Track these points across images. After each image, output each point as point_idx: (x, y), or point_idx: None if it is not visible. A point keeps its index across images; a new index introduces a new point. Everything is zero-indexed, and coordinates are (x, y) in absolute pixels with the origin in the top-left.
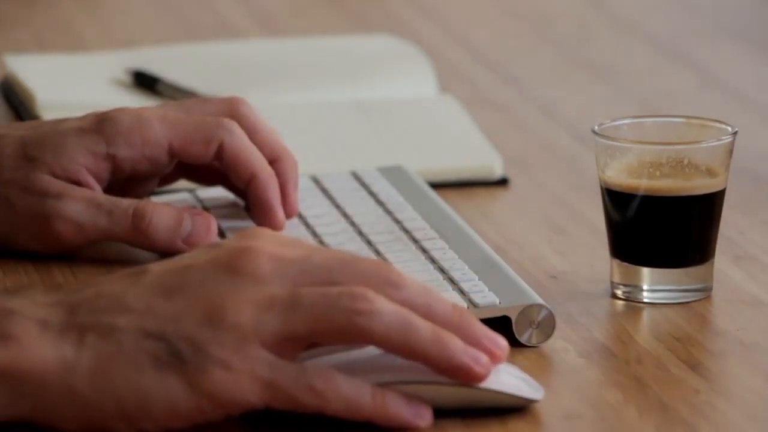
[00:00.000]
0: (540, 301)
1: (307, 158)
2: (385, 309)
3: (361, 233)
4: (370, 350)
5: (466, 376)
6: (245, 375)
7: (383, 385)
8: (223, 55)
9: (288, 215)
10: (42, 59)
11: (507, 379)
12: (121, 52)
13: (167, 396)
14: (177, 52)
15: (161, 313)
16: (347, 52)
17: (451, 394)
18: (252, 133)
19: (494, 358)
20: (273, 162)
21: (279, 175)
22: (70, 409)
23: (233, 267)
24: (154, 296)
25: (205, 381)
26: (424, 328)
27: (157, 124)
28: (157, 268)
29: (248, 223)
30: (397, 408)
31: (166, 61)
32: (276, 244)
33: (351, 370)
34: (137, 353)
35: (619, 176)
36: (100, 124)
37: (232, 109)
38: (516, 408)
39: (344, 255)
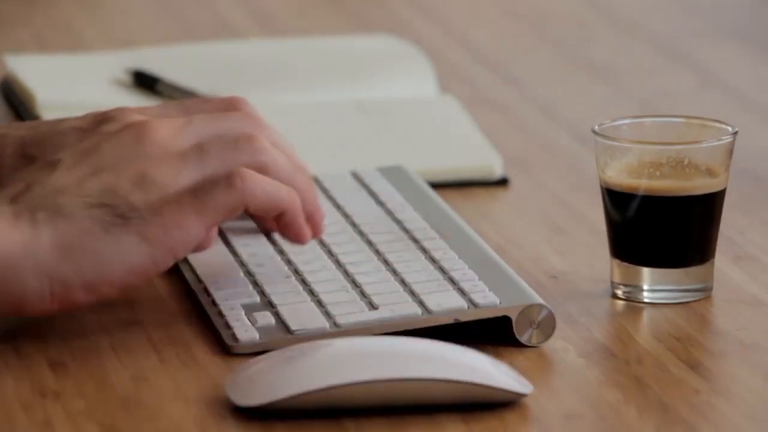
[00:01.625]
0: (540, 301)
1: (307, 158)
2: (272, 148)
3: (361, 233)
4: (369, 346)
5: (312, 230)
6: (178, 214)
7: (377, 382)
8: (223, 55)
9: None
10: (42, 59)
11: (497, 375)
12: (121, 52)
13: (121, 255)
14: (177, 52)
15: (94, 187)
16: (347, 52)
17: (444, 389)
18: None
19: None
20: None
21: None
22: (36, 287)
23: (139, 139)
24: (81, 176)
25: (150, 231)
26: (302, 171)
27: None
28: (68, 155)
29: (248, 222)
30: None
31: (166, 61)
32: (159, 116)
33: (352, 363)
34: (88, 221)
35: (619, 176)
36: (100, 125)
37: (232, 109)
38: (514, 406)
39: (214, 113)
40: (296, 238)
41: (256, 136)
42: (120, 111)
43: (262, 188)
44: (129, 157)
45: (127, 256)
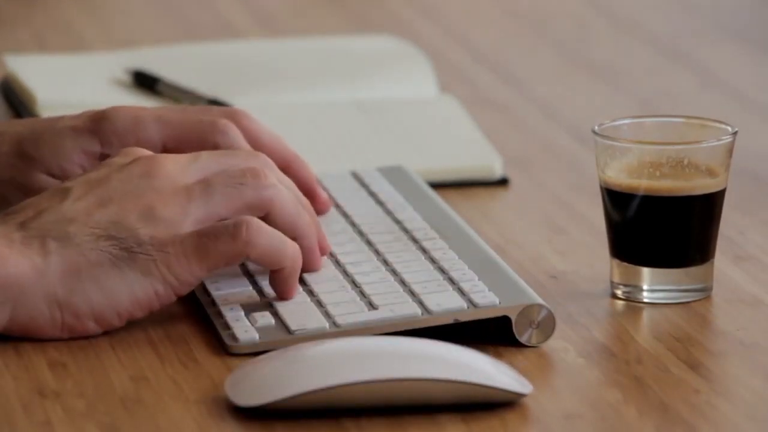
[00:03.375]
0: (540, 301)
1: (307, 158)
2: (278, 184)
3: (361, 233)
4: (369, 346)
5: (313, 258)
6: (182, 255)
7: (377, 382)
8: (223, 55)
9: (325, 210)
10: (42, 59)
11: (497, 375)
12: (121, 52)
13: (127, 288)
14: (177, 52)
15: (102, 218)
16: (347, 52)
17: (444, 389)
18: (257, 146)
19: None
20: (285, 168)
21: (298, 180)
22: (47, 314)
23: (147, 173)
24: (90, 207)
25: (154, 267)
26: (306, 208)
27: (152, 125)
28: (77, 185)
29: None
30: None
31: (166, 61)
32: (165, 154)
33: (352, 363)
34: (96, 253)
35: (619, 176)
36: (96, 124)
37: (232, 118)
38: (514, 406)
39: (221, 150)
40: (282, 295)
41: (262, 172)
42: (115, 109)
43: (267, 241)
44: (137, 190)
45: (132, 290)
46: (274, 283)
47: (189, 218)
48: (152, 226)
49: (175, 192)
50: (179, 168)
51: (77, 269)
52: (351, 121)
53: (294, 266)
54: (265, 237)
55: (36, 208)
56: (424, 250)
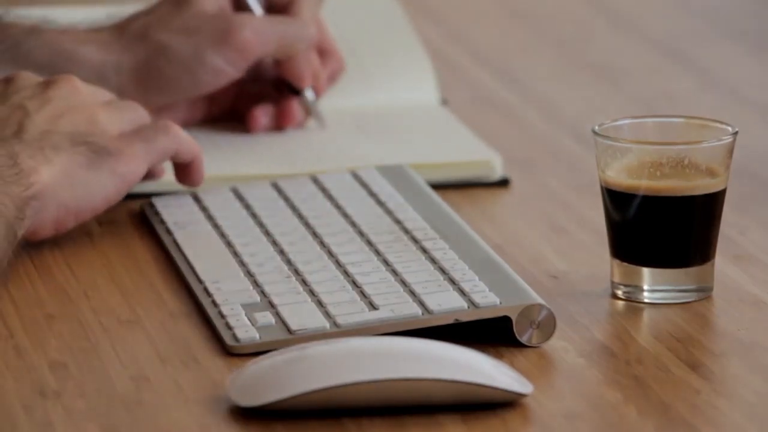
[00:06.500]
0: (540, 301)
1: (307, 158)
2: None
3: (361, 233)
4: (369, 346)
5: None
6: (134, 154)
7: (377, 382)
8: None
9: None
10: None
11: (497, 375)
12: None
13: (100, 185)
14: None
15: (63, 130)
16: (349, 54)
17: (444, 389)
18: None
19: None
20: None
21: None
22: (53, 215)
23: (73, 89)
24: (51, 119)
25: (117, 167)
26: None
27: None
28: (30, 103)
29: (248, 223)
30: None
31: None
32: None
33: (352, 363)
34: (78, 156)
35: (620, 176)
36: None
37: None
38: (514, 406)
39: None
40: (198, 180)
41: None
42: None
43: (185, 137)
44: (76, 102)
45: (104, 187)
46: (191, 172)
47: (122, 126)
48: (101, 133)
49: (101, 103)
50: (87, 84)
51: (70, 171)
52: (352, 124)
53: (201, 155)
54: (184, 133)
55: (10, 124)
56: (424, 251)
